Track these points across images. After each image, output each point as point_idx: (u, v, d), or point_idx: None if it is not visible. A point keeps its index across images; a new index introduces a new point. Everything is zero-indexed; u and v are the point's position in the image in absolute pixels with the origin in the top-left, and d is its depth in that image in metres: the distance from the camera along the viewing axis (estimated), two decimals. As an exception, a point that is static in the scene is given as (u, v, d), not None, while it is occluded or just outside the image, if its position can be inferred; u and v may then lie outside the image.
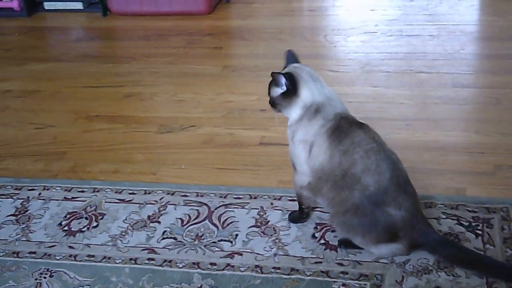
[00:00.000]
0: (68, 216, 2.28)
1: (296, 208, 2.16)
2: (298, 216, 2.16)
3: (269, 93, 2.00)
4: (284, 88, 1.94)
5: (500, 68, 3.15)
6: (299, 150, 1.97)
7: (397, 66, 3.27)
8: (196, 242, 2.11)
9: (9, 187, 2.47)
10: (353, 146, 1.87)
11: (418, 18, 3.87)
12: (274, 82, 1.97)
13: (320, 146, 1.92)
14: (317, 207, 2.18)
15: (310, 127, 1.93)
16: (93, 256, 2.09)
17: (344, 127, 1.91)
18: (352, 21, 4.00)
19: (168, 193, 2.35)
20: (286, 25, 3.96)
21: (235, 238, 2.11)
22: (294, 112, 1.96)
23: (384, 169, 1.85)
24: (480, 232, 2.03)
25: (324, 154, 1.91)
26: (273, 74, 1.94)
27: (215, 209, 2.25)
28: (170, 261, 2.04)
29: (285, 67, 2.03)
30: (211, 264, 2.02)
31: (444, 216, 2.11)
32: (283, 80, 1.92)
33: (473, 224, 2.07)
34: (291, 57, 2.06)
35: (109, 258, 2.07)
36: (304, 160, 1.96)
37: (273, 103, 2.00)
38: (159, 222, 2.21)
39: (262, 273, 1.96)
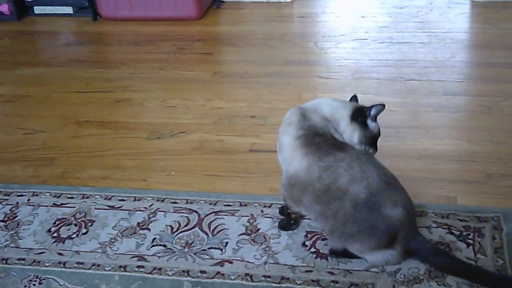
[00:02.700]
0: (57, 222, 2.27)
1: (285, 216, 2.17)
2: (287, 223, 2.16)
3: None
4: None
5: (491, 76, 3.16)
6: (279, 150, 2.07)
7: (388, 73, 3.28)
8: (186, 250, 2.10)
9: (-2, 192, 2.45)
10: (337, 162, 1.90)
11: (408, 25, 3.88)
12: None
13: (292, 153, 1.97)
14: (306, 216, 2.17)
15: (284, 138, 2.02)
16: (82, 263, 2.08)
17: (324, 147, 1.94)
18: (343, 27, 3.99)
19: (157, 200, 2.34)
20: (276, 31, 3.95)
21: (225, 245, 2.11)
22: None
23: (370, 172, 1.87)
24: (471, 242, 2.04)
25: (300, 164, 1.94)
26: None
27: (205, 216, 2.25)
28: (160, 269, 2.03)
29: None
30: (201, 272, 2.01)
31: (435, 225, 2.11)
32: None
33: (464, 233, 2.07)
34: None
35: (98, 265, 2.06)
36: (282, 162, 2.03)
37: None
38: (148, 229, 2.20)
39: (252, 281, 1.96)
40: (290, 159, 1.98)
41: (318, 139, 1.95)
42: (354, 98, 2.14)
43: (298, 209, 2.05)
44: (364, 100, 2.99)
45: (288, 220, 2.16)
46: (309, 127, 1.97)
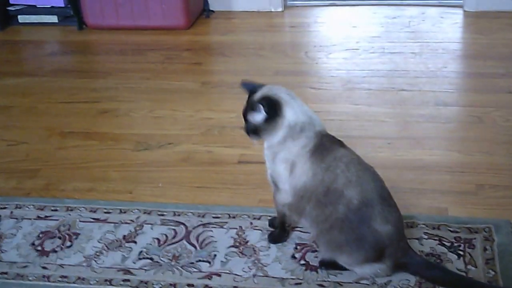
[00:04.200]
0: (41, 235, 2.24)
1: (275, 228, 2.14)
2: (279, 236, 2.13)
3: (246, 121, 1.93)
4: (265, 113, 1.87)
5: (483, 87, 3.15)
6: (281, 169, 1.94)
7: (379, 84, 3.27)
8: (173, 263, 2.07)
9: (-20, 205, 2.42)
10: (335, 161, 1.87)
11: (400, 36, 3.88)
12: (252, 109, 1.91)
13: (302, 166, 1.90)
14: (297, 227, 2.15)
15: (293, 147, 1.90)
16: (66, 277, 2.05)
17: (326, 145, 1.90)
18: (334, 37, 4.00)
19: (144, 212, 2.31)
20: (267, 41, 3.94)
21: (213, 258, 2.08)
22: (277, 134, 1.90)
23: (366, 180, 1.85)
24: (462, 253, 2.02)
25: (307, 175, 1.89)
26: (252, 102, 1.90)
27: (193, 228, 2.22)
28: (146, 282, 2.00)
29: (252, 91, 1.96)
30: (189, 285, 1.98)
31: (426, 236, 2.09)
32: (261, 106, 1.87)
33: (455, 244, 2.06)
34: (249, 85, 1.99)
35: (83, 279, 2.04)
36: (286, 179, 1.94)
37: (254, 130, 1.92)
38: (135, 242, 2.18)
39: (241, 294, 1.93)
40: (299, 175, 1.91)
41: (325, 140, 1.90)
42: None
43: (299, 220, 2.02)
44: (356, 111, 3.04)
45: (281, 232, 2.13)
46: (320, 132, 1.92)
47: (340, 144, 1.93)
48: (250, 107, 1.91)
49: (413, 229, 2.12)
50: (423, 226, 2.13)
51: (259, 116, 1.89)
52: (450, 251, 2.02)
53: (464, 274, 1.93)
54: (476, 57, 3.54)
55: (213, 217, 2.26)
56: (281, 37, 4.17)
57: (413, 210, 2.21)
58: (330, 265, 1.97)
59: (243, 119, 1.94)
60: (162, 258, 2.09)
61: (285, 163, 1.92)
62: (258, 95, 1.92)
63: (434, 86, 3.20)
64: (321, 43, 3.91)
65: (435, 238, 2.08)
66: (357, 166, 1.87)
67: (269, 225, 2.19)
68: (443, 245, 2.05)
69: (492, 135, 2.71)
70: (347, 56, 3.64)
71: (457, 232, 2.10)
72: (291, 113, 1.88)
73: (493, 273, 1.93)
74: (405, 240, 1.90)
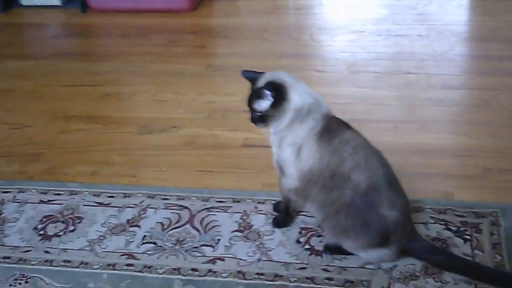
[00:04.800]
0: (44, 219, 2.24)
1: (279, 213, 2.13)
2: (284, 220, 2.12)
3: (252, 110, 1.91)
4: (271, 99, 1.86)
5: (490, 69, 3.12)
6: (288, 153, 1.93)
7: (385, 67, 3.25)
8: (177, 247, 2.07)
9: (-17, 189, 2.42)
10: (342, 144, 1.85)
11: (406, 18, 3.84)
12: (257, 97, 1.89)
13: (309, 149, 1.88)
14: (302, 211, 2.14)
15: (301, 130, 1.88)
16: (69, 261, 2.05)
17: (333, 127, 1.88)
18: (339, 20, 3.97)
19: (148, 196, 2.31)
20: (271, 24, 3.91)
21: (217, 243, 2.08)
22: (284, 118, 1.89)
23: (375, 165, 1.83)
24: (468, 238, 2.01)
25: (313, 158, 1.88)
26: (256, 90, 1.88)
27: (197, 213, 2.21)
28: (150, 267, 2.00)
29: (254, 79, 1.94)
30: (193, 269, 1.98)
31: (432, 221, 2.08)
32: (267, 92, 1.85)
33: (462, 229, 2.04)
34: (250, 73, 1.98)
35: (86, 263, 2.03)
36: (293, 164, 1.93)
37: (260, 118, 1.90)
38: (138, 226, 2.17)
39: (245, 279, 1.93)
40: (305, 158, 1.90)
41: (332, 122, 1.89)
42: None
43: (304, 205, 2.01)
44: (361, 94, 3.02)
45: (286, 217, 2.12)
46: (327, 114, 1.91)
47: (347, 126, 1.92)
48: (254, 96, 1.89)
49: (419, 213, 2.10)
50: (429, 210, 2.12)
51: (265, 103, 1.87)
52: (457, 236, 2.01)
53: (470, 259, 1.92)
54: (483, 39, 3.51)
55: (217, 201, 2.25)
56: (285, 19, 4.15)
57: (419, 194, 2.19)
58: (335, 249, 1.97)
59: (248, 109, 1.92)
60: (166, 243, 2.09)
61: (292, 147, 1.91)
62: (261, 82, 1.90)
63: (441, 69, 3.18)
64: (326, 26, 3.88)
65: (441, 222, 2.07)
66: (365, 150, 1.85)
67: (274, 210, 2.18)
68: (450, 229, 2.04)
69: (499, 118, 2.70)
70: (352, 38, 3.61)
71: (463, 216, 2.09)
72: (296, 96, 1.87)
73: (499, 257, 1.92)
74: (411, 226, 1.89)
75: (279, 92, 1.86)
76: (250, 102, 1.90)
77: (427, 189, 2.26)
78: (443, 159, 2.44)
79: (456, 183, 2.30)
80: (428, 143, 2.54)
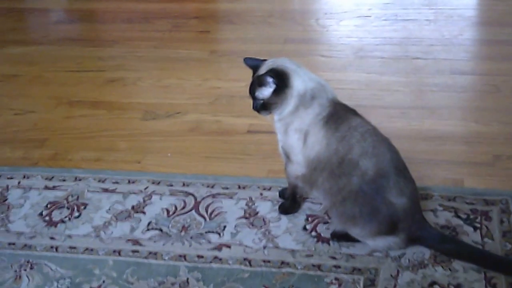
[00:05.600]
0: (49, 205, 2.24)
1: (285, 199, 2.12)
2: (291, 207, 2.11)
3: (254, 97, 1.90)
4: (273, 85, 1.85)
5: (499, 55, 3.10)
6: (294, 140, 1.92)
7: (392, 52, 3.22)
8: (182, 234, 2.06)
9: (-13, 175, 2.42)
10: (350, 131, 1.84)
11: (414, 2, 3.81)
12: (259, 84, 1.88)
13: (315, 135, 1.87)
14: (308, 198, 2.13)
15: (306, 116, 1.87)
16: (75, 247, 2.05)
17: (340, 114, 1.87)
18: (345, 4, 3.93)
19: (153, 183, 2.30)
20: (276, 8, 3.89)
21: (223, 229, 2.07)
22: (288, 105, 1.88)
23: (383, 151, 1.82)
24: (478, 225, 1.99)
25: (320, 144, 1.86)
26: (258, 77, 1.87)
27: (202, 199, 2.20)
28: (155, 253, 2.00)
29: (256, 67, 1.93)
30: (198, 256, 1.97)
31: (441, 208, 2.06)
32: (269, 79, 1.84)
33: (471, 216, 2.03)
34: (253, 61, 1.97)
35: (91, 250, 2.04)
36: (300, 150, 1.91)
37: (263, 105, 1.90)
38: (144, 213, 2.17)
39: (251, 266, 1.92)
40: (312, 144, 1.88)
41: (338, 108, 1.88)
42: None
43: (311, 192, 2.00)
44: (368, 80, 2.99)
45: (292, 203, 2.11)
46: (332, 99, 1.90)
47: (354, 112, 1.90)
48: (256, 83, 1.88)
49: (428, 200, 2.09)
50: (438, 197, 2.10)
51: (267, 90, 1.87)
52: (466, 223, 2.00)
53: (480, 247, 1.91)
54: (492, 23, 3.48)
55: (222, 188, 2.24)
56: (290, 4, 4.12)
57: (428, 182, 2.18)
58: (342, 237, 1.96)
59: (250, 97, 1.91)
60: (171, 229, 2.08)
61: (298, 133, 1.90)
62: (263, 69, 1.89)
63: (449, 54, 3.15)
64: (332, 10, 3.85)
65: (451, 210, 2.05)
66: (373, 137, 1.84)
67: (280, 196, 2.17)
68: (459, 217, 2.02)
69: (510, 104, 2.68)
70: (358, 23, 3.58)
71: (473, 204, 2.07)
72: (299, 82, 1.87)
73: (510, 246, 1.91)
74: (420, 213, 1.88)
75: (281, 79, 1.85)
76: (252, 89, 1.89)
77: (436, 176, 2.24)
78: (452, 145, 2.43)
79: (465, 170, 2.28)
80: (437, 129, 2.53)
